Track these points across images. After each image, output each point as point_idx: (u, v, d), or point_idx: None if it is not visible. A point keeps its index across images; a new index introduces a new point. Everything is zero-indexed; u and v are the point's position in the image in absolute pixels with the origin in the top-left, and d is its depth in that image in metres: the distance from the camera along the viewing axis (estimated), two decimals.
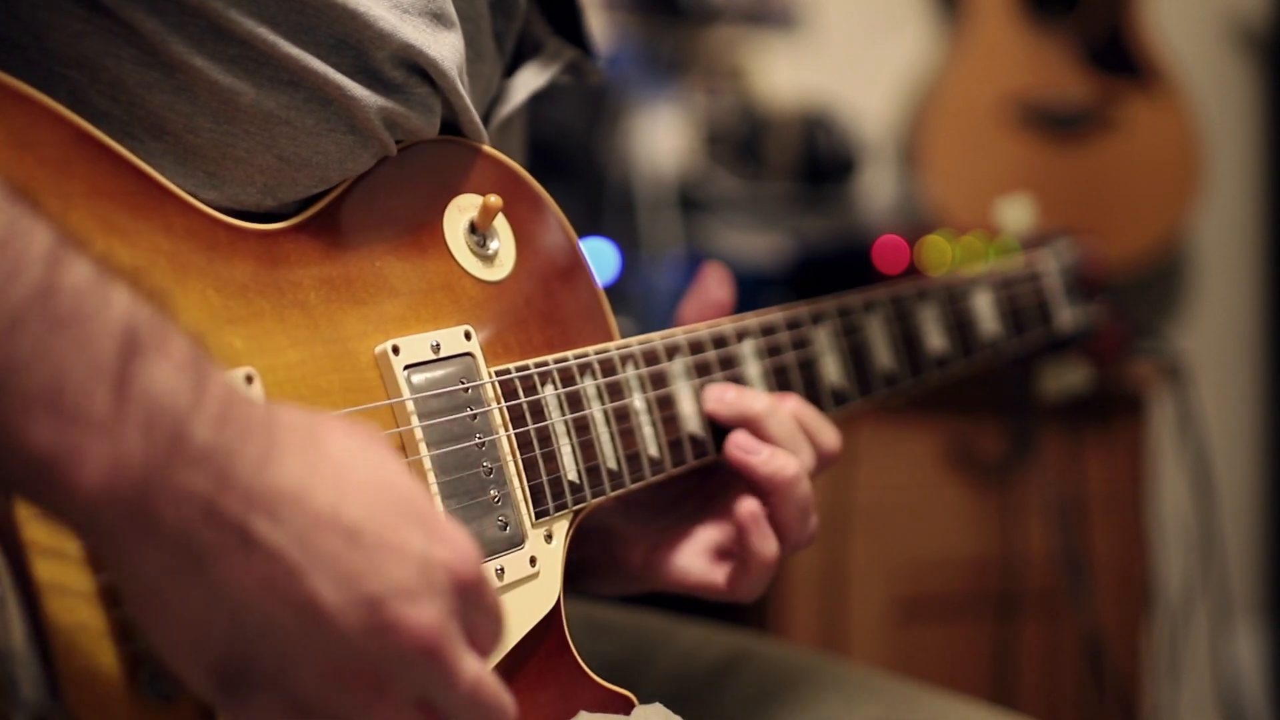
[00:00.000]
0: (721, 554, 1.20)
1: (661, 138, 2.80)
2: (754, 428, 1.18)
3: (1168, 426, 2.90)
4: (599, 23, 2.78)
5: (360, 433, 0.82)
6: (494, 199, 1.05)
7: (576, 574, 1.23)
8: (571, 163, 2.60)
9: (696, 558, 1.20)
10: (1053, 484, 2.52)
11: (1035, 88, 3.05)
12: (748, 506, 1.16)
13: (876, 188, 3.12)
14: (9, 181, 0.74)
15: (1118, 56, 3.13)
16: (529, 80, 1.20)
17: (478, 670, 0.81)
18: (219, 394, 0.75)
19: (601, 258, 2.50)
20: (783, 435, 1.18)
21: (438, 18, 1.00)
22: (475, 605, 0.82)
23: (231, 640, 0.75)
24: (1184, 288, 3.55)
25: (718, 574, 1.19)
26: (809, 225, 2.81)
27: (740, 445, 1.16)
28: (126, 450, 0.71)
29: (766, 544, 1.16)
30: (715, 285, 1.31)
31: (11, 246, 0.71)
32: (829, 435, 1.22)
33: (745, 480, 1.17)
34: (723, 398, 1.18)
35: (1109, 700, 2.60)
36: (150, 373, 0.73)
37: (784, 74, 3.06)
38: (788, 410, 1.19)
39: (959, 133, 3.02)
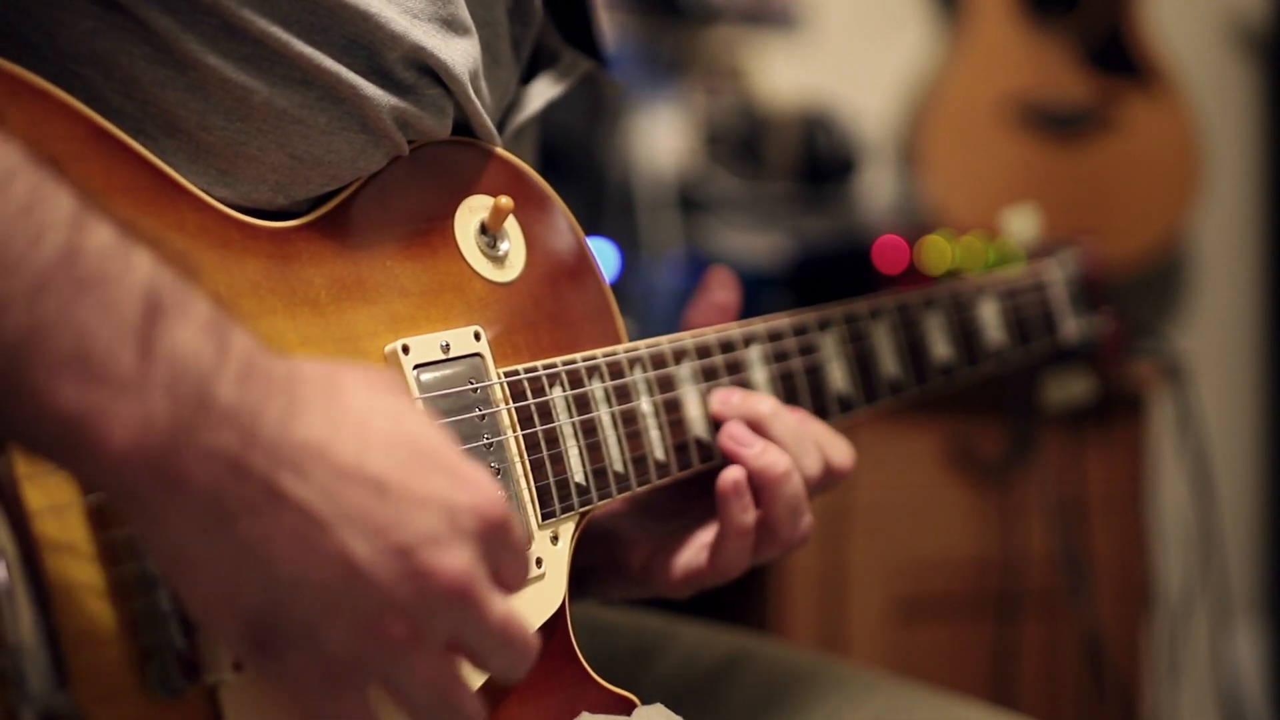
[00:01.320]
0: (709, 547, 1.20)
1: (661, 138, 2.80)
2: (757, 429, 1.18)
3: (1168, 426, 2.90)
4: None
5: (379, 382, 0.83)
6: (505, 200, 1.05)
7: (581, 579, 1.24)
8: (571, 163, 2.60)
9: (692, 555, 1.20)
10: (1052, 484, 2.52)
11: (1035, 88, 3.05)
12: (731, 475, 1.15)
13: (876, 188, 3.12)
14: (32, 150, 0.74)
15: (1118, 56, 3.13)
16: (545, 90, 1.21)
17: (506, 609, 0.83)
18: (241, 353, 0.76)
19: (601, 258, 2.49)
20: (786, 438, 1.18)
21: (448, 24, 1.01)
22: (501, 544, 0.83)
23: (263, 597, 0.76)
24: (1184, 288, 3.55)
25: (702, 557, 1.19)
26: (809, 225, 2.81)
27: (733, 437, 1.16)
28: (153, 410, 0.72)
29: (745, 515, 1.15)
30: (720, 288, 1.31)
31: (36, 211, 0.71)
32: (839, 450, 1.22)
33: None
34: (728, 400, 1.18)
35: (1109, 700, 2.60)
36: (174, 333, 0.73)
37: (784, 74, 3.06)
38: (794, 415, 1.19)
39: (959, 133, 3.02)
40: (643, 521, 1.24)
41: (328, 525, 0.76)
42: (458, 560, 0.79)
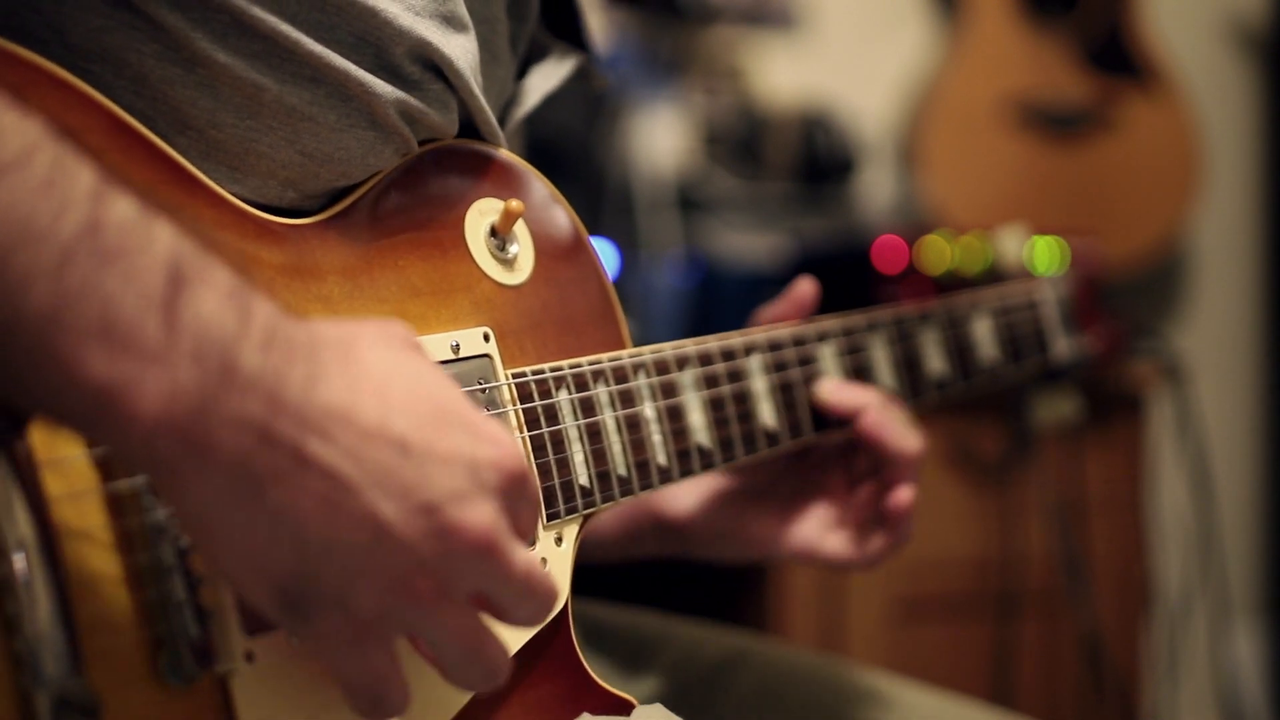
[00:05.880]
0: (837, 529, 1.33)
1: (661, 138, 2.80)
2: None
3: (1167, 426, 2.90)
4: (598, 22, 2.78)
5: (394, 339, 0.84)
6: (516, 204, 1.06)
7: (708, 541, 1.36)
8: (571, 163, 2.60)
9: (823, 535, 1.33)
10: (1052, 484, 2.53)
11: (1034, 88, 3.06)
12: (905, 496, 1.30)
13: (875, 188, 3.12)
14: (53, 123, 0.75)
15: (1117, 56, 3.13)
16: (540, 83, 1.21)
17: (528, 558, 0.84)
18: (263, 320, 0.77)
19: (601, 258, 2.49)
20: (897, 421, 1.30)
21: (448, 20, 1.01)
22: (520, 496, 0.84)
23: (294, 562, 0.77)
24: (1183, 288, 3.56)
25: (846, 548, 1.32)
26: (808, 225, 2.82)
27: (876, 422, 1.28)
28: (180, 378, 0.73)
29: (910, 526, 1.31)
30: (804, 286, 1.36)
31: (59, 185, 0.72)
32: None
33: (841, 458, 1.33)
34: (840, 387, 1.29)
35: (1108, 700, 2.60)
36: (197, 302, 0.74)
37: (783, 74, 3.06)
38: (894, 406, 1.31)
39: (958, 133, 3.02)
40: (762, 495, 1.35)
41: (355, 487, 0.77)
42: (482, 515, 0.80)
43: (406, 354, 0.84)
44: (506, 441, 0.83)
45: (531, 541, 1.02)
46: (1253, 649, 3.53)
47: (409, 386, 0.81)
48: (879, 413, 1.28)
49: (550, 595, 0.86)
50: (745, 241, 2.72)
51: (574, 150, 2.62)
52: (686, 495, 1.36)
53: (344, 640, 0.80)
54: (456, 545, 0.79)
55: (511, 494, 0.83)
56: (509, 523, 0.83)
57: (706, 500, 1.36)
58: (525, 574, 0.83)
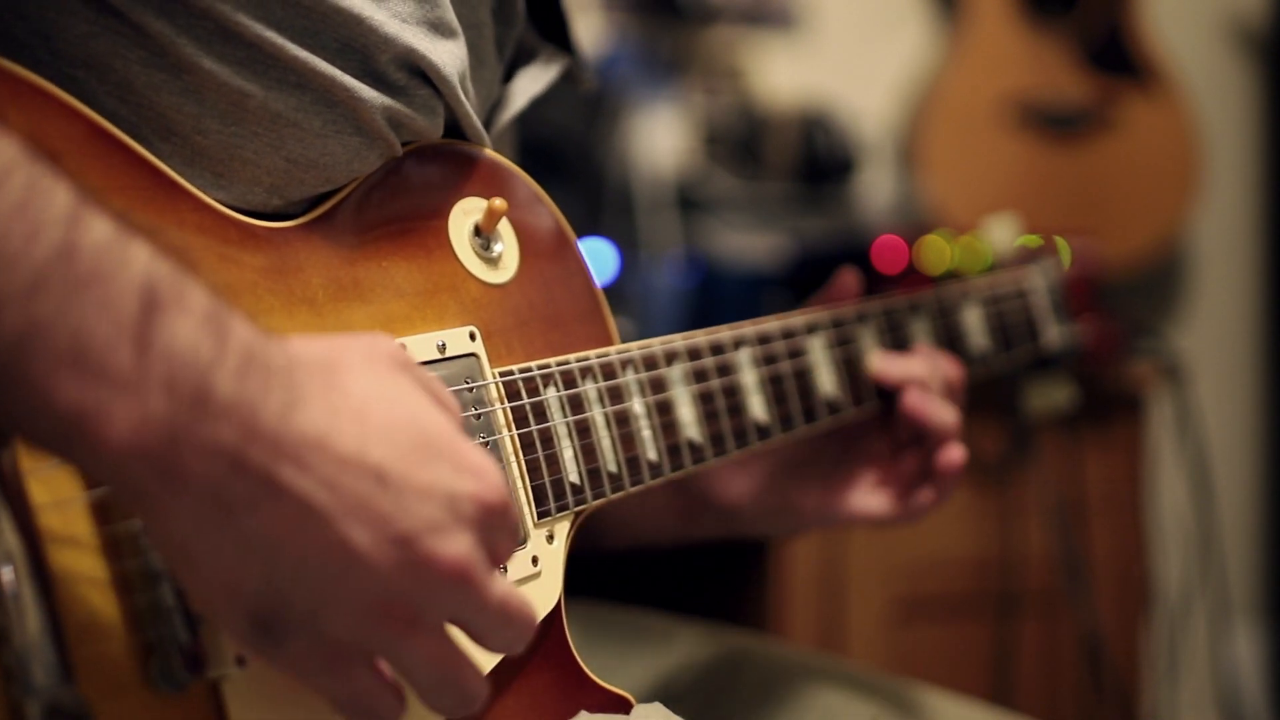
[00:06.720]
0: (880, 488, 1.36)
1: (660, 138, 2.80)
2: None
3: (1166, 426, 2.90)
4: (598, 23, 2.78)
5: (379, 363, 0.84)
6: (499, 202, 1.05)
7: (759, 518, 1.39)
8: (570, 163, 2.60)
9: (867, 497, 1.36)
10: (1051, 484, 2.53)
11: (1034, 88, 3.06)
12: (957, 454, 1.32)
13: (875, 188, 3.12)
14: (29, 142, 0.74)
15: (1116, 56, 3.13)
16: (527, 86, 1.21)
17: (504, 587, 0.84)
18: (240, 346, 0.76)
19: (600, 258, 2.50)
20: (941, 394, 1.34)
21: (436, 27, 1.01)
22: (499, 525, 0.84)
23: (265, 587, 0.76)
24: (1183, 288, 3.55)
25: (892, 506, 1.36)
26: (808, 225, 2.81)
27: (917, 401, 1.32)
28: (151, 407, 0.72)
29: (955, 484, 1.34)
30: (848, 275, 1.41)
31: (32, 207, 0.72)
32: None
33: (882, 425, 1.36)
34: (888, 362, 1.34)
35: (1108, 700, 2.60)
36: (171, 329, 0.74)
37: (783, 74, 3.06)
38: (942, 373, 1.36)
39: (958, 133, 3.02)
40: (802, 471, 1.38)
41: (328, 516, 0.76)
42: (458, 547, 0.80)
43: (392, 377, 0.83)
44: (489, 473, 0.83)
45: (523, 540, 1.03)
46: (1252, 649, 3.52)
47: (390, 413, 0.81)
48: (917, 395, 1.32)
49: (528, 622, 0.86)
50: (745, 241, 2.72)
51: (573, 151, 2.61)
52: (736, 477, 1.38)
53: (318, 664, 0.80)
54: (430, 577, 0.79)
55: (490, 525, 0.83)
56: (486, 553, 0.83)
57: (755, 480, 1.37)
58: (502, 602, 0.83)
